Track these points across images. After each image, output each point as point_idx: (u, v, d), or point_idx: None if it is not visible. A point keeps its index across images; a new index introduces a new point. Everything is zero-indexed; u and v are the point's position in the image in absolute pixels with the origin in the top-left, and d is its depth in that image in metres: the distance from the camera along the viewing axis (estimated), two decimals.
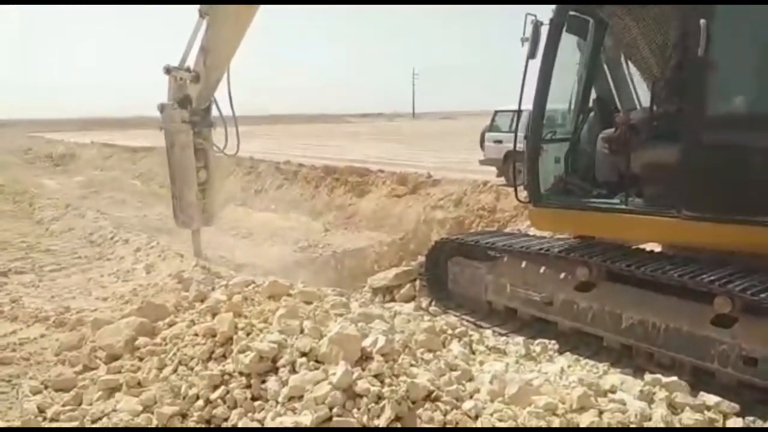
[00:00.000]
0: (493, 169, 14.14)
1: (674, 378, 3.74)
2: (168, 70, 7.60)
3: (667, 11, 4.88)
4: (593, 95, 5.71)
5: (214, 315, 4.17)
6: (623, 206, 4.81)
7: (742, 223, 4.16)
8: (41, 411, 3.41)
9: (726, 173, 4.24)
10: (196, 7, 7.45)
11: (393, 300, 7.01)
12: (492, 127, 14.38)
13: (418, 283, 6.94)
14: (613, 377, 3.96)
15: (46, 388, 3.73)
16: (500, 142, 13.71)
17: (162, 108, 7.73)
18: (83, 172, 22.19)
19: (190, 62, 7.62)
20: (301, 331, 3.30)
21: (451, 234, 9.00)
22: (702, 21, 4.03)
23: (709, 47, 4.04)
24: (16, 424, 3.15)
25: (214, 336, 3.44)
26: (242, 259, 10.15)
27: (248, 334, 3.37)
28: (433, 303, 6.49)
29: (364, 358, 3.04)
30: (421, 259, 7.21)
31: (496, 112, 14.37)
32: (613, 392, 3.65)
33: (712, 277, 4.16)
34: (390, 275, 7.37)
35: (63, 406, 3.40)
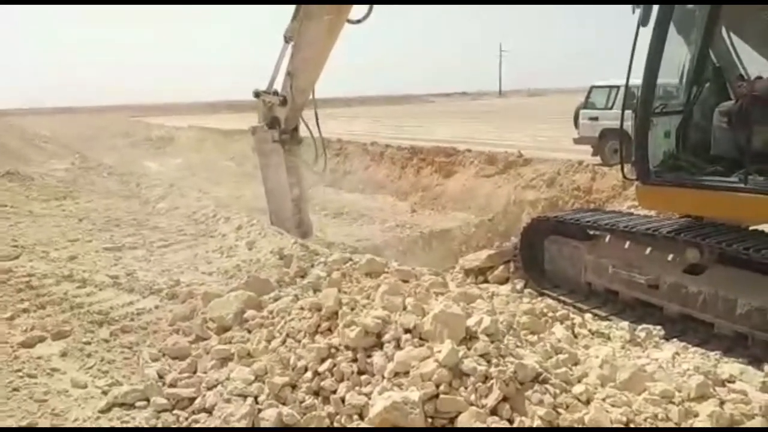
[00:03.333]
0: (588, 147, 13.60)
1: None
2: (257, 94, 8.16)
3: None
4: (711, 65, 5.32)
5: (315, 290, 4.29)
6: (742, 185, 4.48)
7: None
8: (161, 377, 3.64)
9: None
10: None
11: (486, 281, 6.91)
12: (587, 104, 13.81)
13: (512, 264, 6.81)
14: (731, 366, 3.73)
15: (163, 355, 3.97)
16: (596, 119, 13.17)
17: (254, 130, 8.32)
18: (181, 154, 23.33)
19: (278, 86, 8.07)
20: (404, 308, 3.31)
21: (548, 212, 8.77)
22: None
23: None
24: (140, 388, 3.36)
25: (319, 310, 3.52)
26: (333, 237, 10.37)
27: (352, 309, 3.42)
28: (528, 284, 6.36)
29: (469, 337, 3.01)
30: (515, 239, 7.07)
31: (592, 87, 13.77)
32: (732, 382, 3.44)
33: None
34: (482, 256, 7.26)
35: (180, 373, 3.61)
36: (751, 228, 4.95)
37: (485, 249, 8.09)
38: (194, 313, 4.48)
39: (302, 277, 5.03)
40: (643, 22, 4.63)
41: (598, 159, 12.95)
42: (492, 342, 2.97)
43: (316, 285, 4.39)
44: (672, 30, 5.00)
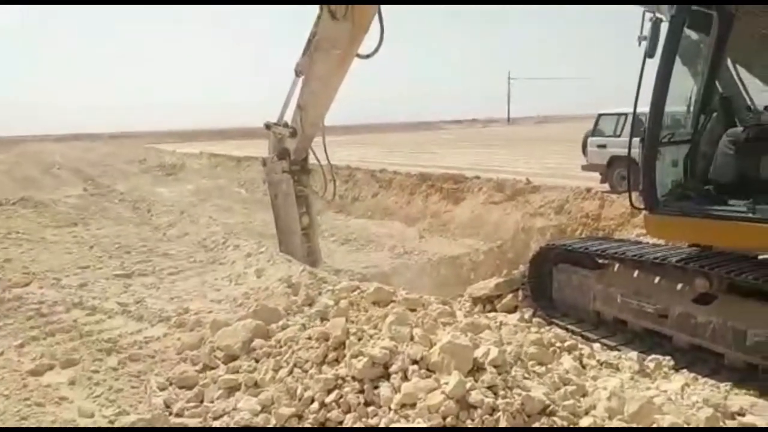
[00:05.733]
0: (596, 175, 13.61)
1: None
2: (267, 126, 8.36)
3: None
4: (717, 94, 5.35)
5: (323, 319, 4.29)
6: (750, 214, 4.47)
7: None
8: (167, 406, 3.64)
9: None
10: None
11: (494, 310, 6.88)
12: (595, 131, 13.87)
13: (520, 292, 6.78)
14: (741, 398, 3.70)
15: (170, 384, 3.98)
16: (604, 146, 13.21)
17: (264, 162, 8.51)
18: (193, 180, 23.54)
19: (288, 118, 8.25)
20: (411, 339, 3.31)
21: (557, 239, 8.75)
22: None
23: None
24: (147, 417, 3.37)
25: (327, 340, 3.53)
26: (341, 264, 10.38)
27: (359, 339, 3.42)
28: (537, 313, 6.33)
29: (476, 368, 3.00)
30: (523, 267, 7.05)
31: (600, 115, 13.85)
32: (742, 415, 3.41)
33: None
34: (491, 284, 7.24)
35: (187, 402, 3.61)
36: (760, 257, 4.93)
37: (494, 277, 8.07)
38: (202, 341, 4.50)
39: (310, 305, 5.04)
40: (649, 53, 4.68)
41: (606, 186, 12.95)
42: (499, 373, 2.96)
43: (323, 313, 4.39)
44: (678, 61, 5.05)
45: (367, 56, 7.93)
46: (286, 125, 8.30)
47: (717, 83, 5.36)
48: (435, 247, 13.08)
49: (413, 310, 4.10)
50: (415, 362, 3.10)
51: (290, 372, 3.45)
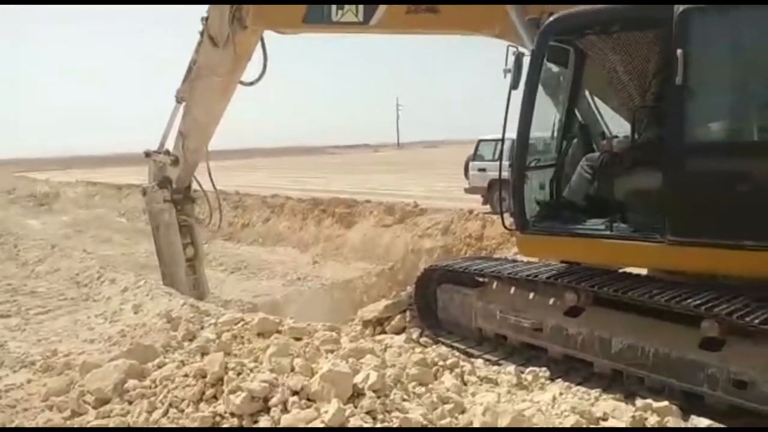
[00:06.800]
0: (478, 197, 14.28)
1: (665, 403, 3.76)
2: (147, 154, 8.10)
3: (645, 41, 5.02)
4: (576, 122, 5.83)
5: (203, 354, 4.14)
6: (608, 232, 4.87)
7: (724, 248, 4.23)
8: None
9: (707, 199, 4.33)
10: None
11: (384, 332, 6.97)
12: (476, 156, 14.60)
13: (408, 313, 6.92)
14: (606, 404, 3.97)
15: None
16: (484, 170, 13.90)
17: (144, 191, 8.19)
18: (68, 210, 22.03)
19: (169, 145, 8.06)
20: (292, 369, 3.28)
21: (440, 261, 9.03)
22: (679, 50, 4.15)
23: (686, 75, 4.16)
24: None
25: (204, 376, 3.41)
26: (230, 294, 10.11)
27: (239, 374, 3.34)
28: (424, 333, 6.47)
29: (356, 394, 3.03)
30: (410, 288, 7.21)
31: (480, 141, 14.61)
32: (606, 420, 3.66)
33: (698, 301, 4.20)
34: (380, 307, 7.33)
35: None
36: (620, 271, 5.37)
37: (384, 299, 8.20)
38: (70, 386, 4.18)
39: (191, 340, 4.85)
40: (513, 86, 5.02)
41: (488, 207, 13.62)
42: (378, 397, 3.00)
43: (204, 349, 4.24)
44: (542, 91, 5.45)
45: (251, 83, 7.88)
46: (167, 153, 8.09)
47: (577, 112, 5.83)
48: (328, 271, 13.10)
49: (299, 340, 4.07)
50: (295, 393, 3.07)
51: (165, 413, 3.30)
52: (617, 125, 5.80)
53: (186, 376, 3.56)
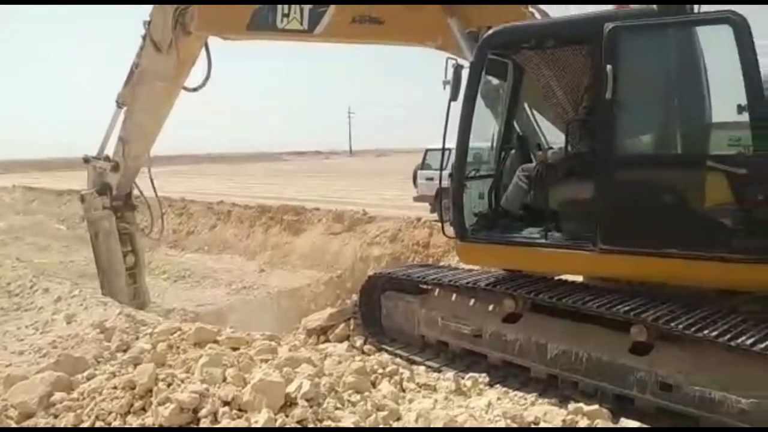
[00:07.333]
0: (426, 205, 14.43)
1: (596, 406, 3.88)
2: (86, 160, 7.87)
3: (577, 57, 5.21)
4: (515, 133, 5.98)
5: (136, 365, 4.03)
6: (544, 240, 5.01)
7: (650, 256, 4.42)
8: None
9: (635, 209, 4.52)
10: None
11: (328, 340, 6.95)
12: (424, 165, 14.77)
13: (352, 321, 6.93)
14: (538, 408, 4.06)
15: None
16: (432, 179, 14.06)
17: (82, 198, 7.91)
18: (4, 216, 21.10)
19: (109, 151, 7.84)
20: (224, 380, 3.24)
21: (384, 268, 9.08)
22: (608, 66, 4.32)
23: (615, 90, 4.33)
24: None
25: (133, 388, 3.32)
26: (172, 303, 9.88)
27: (169, 385, 3.27)
28: (368, 341, 6.49)
29: (288, 404, 3.01)
30: (356, 296, 7.22)
31: (427, 150, 14.79)
32: (537, 423, 3.75)
33: (627, 307, 4.37)
34: (324, 315, 7.31)
35: None
36: (558, 278, 5.53)
37: (329, 307, 8.18)
38: None
39: (125, 351, 4.71)
40: (452, 97, 5.12)
41: (435, 216, 13.76)
42: (311, 407, 2.99)
43: (137, 359, 4.13)
44: (482, 103, 5.58)
45: (195, 89, 7.77)
46: (107, 158, 7.87)
47: (515, 123, 5.99)
48: (275, 280, 12.97)
49: (236, 349, 4.01)
50: (226, 404, 3.03)
51: (92, 426, 3.20)
52: (554, 137, 5.99)
53: (115, 388, 3.46)
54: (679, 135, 4.54)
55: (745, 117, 4.07)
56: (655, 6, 4.33)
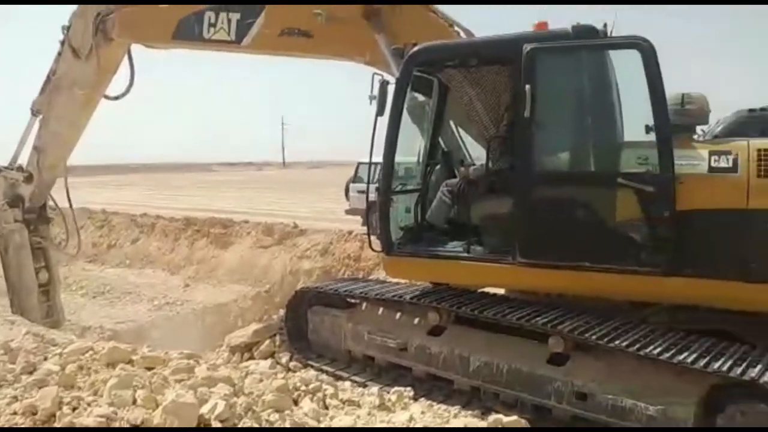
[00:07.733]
0: (359, 218, 14.45)
1: (514, 417, 3.96)
2: None
3: (498, 76, 5.37)
4: (440, 149, 6.09)
5: (42, 388, 3.80)
6: (466, 254, 5.11)
7: (565, 269, 4.58)
8: None
9: (550, 224, 4.68)
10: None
11: (252, 358, 6.79)
12: (356, 178, 14.81)
13: (278, 338, 6.80)
14: (460, 420, 4.11)
15: None
16: (363, 192, 14.11)
17: None
18: None
19: (23, 161, 7.52)
20: (134, 402, 3.10)
21: (311, 283, 9.01)
22: (527, 86, 4.47)
23: (533, 109, 4.49)
24: None
25: (34, 413, 3.12)
26: (90, 321, 9.43)
27: (74, 409, 3.09)
28: (294, 357, 6.39)
29: (202, 425, 2.91)
30: (282, 312, 7.10)
31: (359, 163, 14.84)
32: None
33: (545, 319, 4.51)
34: (249, 331, 7.15)
35: None
36: (479, 291, 5.63)
37: (255, 323, 8.01)
38: None
39: (30, 373, 4.42)
40: (378, 112, 5.16)
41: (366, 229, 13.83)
42: (226, 428, 2.90)
43: (43, 382, 3.86)
44: (409, 118, 5.66)
45: (116, 98, 7.50)
46: (20, 169, 7.53)
47: (440, 139, 6.10)
48: (201, 295, 12.62)
49: (151, 369, 3.85)
50: (135, 427, 2.89)
51: None
52: (478, 153, 6.13)
53: (14, 413, 3.24)
54: (592, 153, 4.74)
55: (652, 137, 4.31)
56: (570, 28, 4.53)
